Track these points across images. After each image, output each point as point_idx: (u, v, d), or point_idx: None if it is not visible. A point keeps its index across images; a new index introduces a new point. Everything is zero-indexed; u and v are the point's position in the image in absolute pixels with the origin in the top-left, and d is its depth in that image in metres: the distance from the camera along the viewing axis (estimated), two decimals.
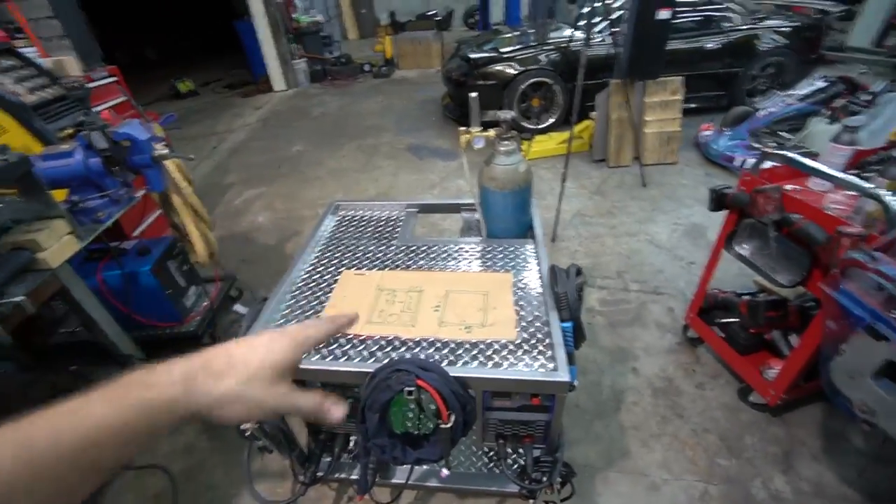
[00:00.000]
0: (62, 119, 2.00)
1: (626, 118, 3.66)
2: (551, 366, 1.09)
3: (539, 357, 1.12)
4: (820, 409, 1.81)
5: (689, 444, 1.72)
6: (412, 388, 0.99)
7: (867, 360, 1.02)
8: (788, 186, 1.46)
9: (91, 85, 2.40)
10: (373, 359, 1.17)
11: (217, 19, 8.77)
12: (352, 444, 1.51)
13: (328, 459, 1.47)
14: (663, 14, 3.03)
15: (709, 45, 4.44)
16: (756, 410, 1.80)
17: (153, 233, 2.68)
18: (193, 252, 2.20)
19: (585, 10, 3.00)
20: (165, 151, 1.54)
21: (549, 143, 4.24)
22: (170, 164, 1.97)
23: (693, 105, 4.42)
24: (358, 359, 1.16)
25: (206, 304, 2.38)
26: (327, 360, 1.18)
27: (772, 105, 3.64)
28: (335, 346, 1.21)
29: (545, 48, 4.51)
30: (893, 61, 5.13)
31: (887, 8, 5.39)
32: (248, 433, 1.32)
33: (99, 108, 2.40)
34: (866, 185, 1.21)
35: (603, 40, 4.21)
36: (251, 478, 1.50)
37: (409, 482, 1.51)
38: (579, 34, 3.82)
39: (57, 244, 1.25)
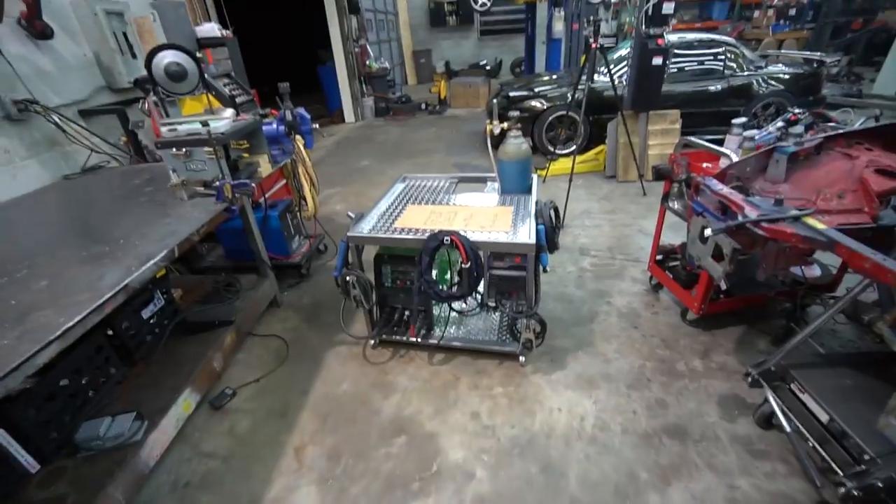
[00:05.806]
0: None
1: (631, 142, 4.49)
2: (525, 240, 1.94)
3: (522, 239, 1.97)
4: (741, 330, 2.46)
5: (638, 341, 2.43)
6: (447, 241, 1.88)
7: (696, 231, 1.80)
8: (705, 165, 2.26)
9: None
10: (426, 235, 2.06)
11: (304, 66, 10.69)
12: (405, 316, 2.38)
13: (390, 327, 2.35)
14: (656, 61, 3.94)
15: (711, 88, 5.25)
16: (692, 327, 2.49)
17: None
18: (305, 210, 3.23)
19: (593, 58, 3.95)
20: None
21: (568, 163, 5.09)
22: (299, 143, 3.04)
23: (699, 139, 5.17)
24: (418, 235, 2.06)
25: (304, 248, 3.39)
26: (402, 234, 2.08)
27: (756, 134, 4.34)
28: (407, 232, 2.10)
29: (571, 89, 5.49)
30: None
31: None
32: (348, 281, 2.21)
33: None
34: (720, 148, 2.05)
35: (616, 82, 5.14)
36: (342, 317, 2.40)
37: (441, 342, 2.34)
38: (601, 78, 4.90)
39: (264, 165, 2.33)
